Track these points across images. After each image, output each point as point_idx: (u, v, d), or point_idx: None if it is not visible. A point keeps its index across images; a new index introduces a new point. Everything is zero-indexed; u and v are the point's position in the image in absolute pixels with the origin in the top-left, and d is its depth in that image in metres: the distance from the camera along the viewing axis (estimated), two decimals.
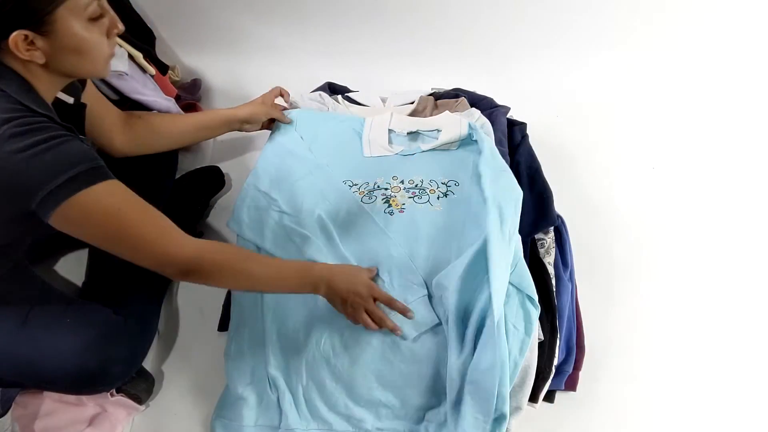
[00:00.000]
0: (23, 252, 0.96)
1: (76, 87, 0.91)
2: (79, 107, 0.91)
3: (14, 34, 0.70)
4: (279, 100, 1.29)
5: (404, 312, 0.95)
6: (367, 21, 1.56)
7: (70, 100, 0.88)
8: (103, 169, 0.75)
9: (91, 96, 0.98)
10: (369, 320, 0.93)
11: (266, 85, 1.29)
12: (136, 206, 0.78)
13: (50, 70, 0.77)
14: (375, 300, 0.94)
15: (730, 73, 1.55)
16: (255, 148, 1.47)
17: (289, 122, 1.23)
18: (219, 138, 1.32)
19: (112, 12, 0.78)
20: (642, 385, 1.10)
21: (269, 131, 1.28)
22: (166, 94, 1.35)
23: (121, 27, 0.80)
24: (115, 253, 0.79)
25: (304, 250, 1.03)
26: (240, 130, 1.24)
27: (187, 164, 1.40)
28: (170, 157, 1.26)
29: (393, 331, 0.94)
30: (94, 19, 0.75)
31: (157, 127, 1.13)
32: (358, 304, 0.92)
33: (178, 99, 1.43)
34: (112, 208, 0.75)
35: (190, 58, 1.66)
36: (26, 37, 0.71)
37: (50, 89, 0.80)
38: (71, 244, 1.24)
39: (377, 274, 1.00)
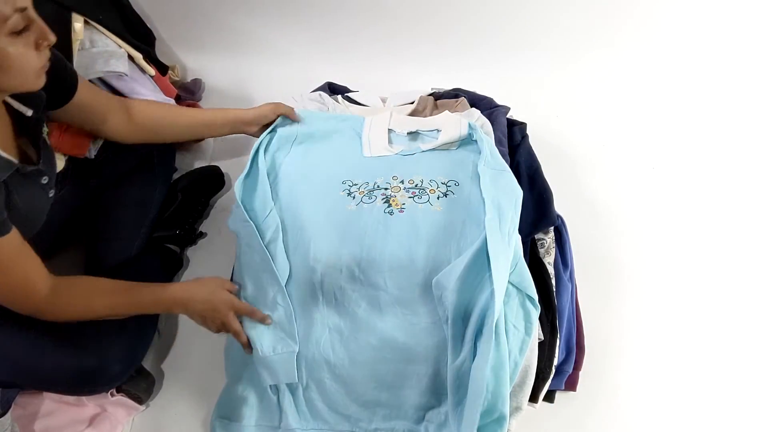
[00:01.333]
0: None
1: (38, 98, 0.86)
2: (37, 120, 0.87)
3: None
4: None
5: (263, 321, 0.97)
6: (367, 21, 1.56)
7: (29, 112, 0.84)
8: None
9: (86, 93, 0.97)
10: (228, 331, 0.98)
11: (266, 85, 1.30)
12: (9, 256, 0.79)
13: None
14: (236, 312, 0.97)
15: (730, 73, 1.55)
16: None
17: (299, 120, 1.22)
18: (219, 138, 1.32)
19: (40, 22, 0.71)
20: (642, 385, 1.10)
21: None
22: (166, 95, 1.35)
23: (51, 38, 0.73)
24: None
25: (303, 251, 1.03)
26: (243, 132, 1.24)
27: (187, 164, 1.40)
28: (166, 159, 1.26)
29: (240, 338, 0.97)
30: (18, 32, 0.68)
31: (163, 118, 1.12)
32: (216, 319, 0.96)
33: (178, 99, 1.43)
34: None
35: (191, 58, 1.66)
36: None
37: None
38: (68, 242, 1.25)
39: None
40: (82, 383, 0.96)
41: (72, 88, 0.94)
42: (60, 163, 1.03)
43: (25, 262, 0.82)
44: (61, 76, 0.91)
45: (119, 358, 0.97)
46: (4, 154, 0.79)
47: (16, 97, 0.82)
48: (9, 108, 0.83)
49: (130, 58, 1.23)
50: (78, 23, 1.12)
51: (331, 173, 1.13)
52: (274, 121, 1.22)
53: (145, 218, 1.18)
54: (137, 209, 1.18)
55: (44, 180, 0.88)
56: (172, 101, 1.35)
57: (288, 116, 1.22)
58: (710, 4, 1.45)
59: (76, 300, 0.88)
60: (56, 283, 0.86)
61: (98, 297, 0.91)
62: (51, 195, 0.92)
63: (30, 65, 0.72)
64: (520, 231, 1.04)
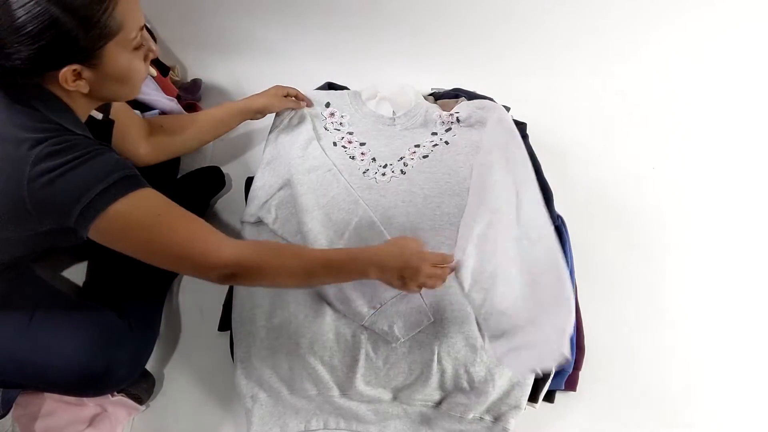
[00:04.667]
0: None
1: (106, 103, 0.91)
2: (108, 123, 0.91)
3: (65, 69, 0.70)
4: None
5: (454, 268, 0.94)
6: (367, 21, 1.56)
7: (99, 116, 0.89)
8: (137, 177, 0.75)
9: (119, 108, 0.98)
10: (428, 284, 0.89)
11: (265, 85, 1.29)
12: (173, 213, 0.78)
13: (90, 96, 0.77)
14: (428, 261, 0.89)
15: (730, 73, 1.55)
16: (255, 148, 1.47)
17: (304, 107, 1.29)
18: (219, 138, 1.31)
19: (147, 36, 0.79)
20: (642, 385, 1.10)
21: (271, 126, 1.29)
22: (167, 95, 1.35)
23: (156, 51, 0.81)
24: (155, 264, 0.77)
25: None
26: (252, 118, 1.26)
27: (187, 164, 1.40)
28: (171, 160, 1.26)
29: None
30: (137, 48, 0.76)
31: (175, 131, 1.13)
32: (415, 276, 0.87)
33: (178, 99, 1.44)
34: (148, 217, 0.75)
35: (190, 58, 1.66)
36: (75, 70, 0.71)
37: (86, 111, 0.81)
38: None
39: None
40: (86, 386, 0.96)
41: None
42: None
43: (188, 216, 0.79)
44: None
45: (125, 361, 0.98)
46: None
47: None
48: None
49: None
50: None
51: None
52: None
53: None
54: None
55: None
56: (175, 101, 1.35)
57: (294, 108, 1.27)
58: (709, 4, 1.45)
59: (267, 262, 0.81)
60: (238, 244, 0.80)
61: (291, 259, 0.83)
62: None
63: (141, 76, 0.79)
64: None
